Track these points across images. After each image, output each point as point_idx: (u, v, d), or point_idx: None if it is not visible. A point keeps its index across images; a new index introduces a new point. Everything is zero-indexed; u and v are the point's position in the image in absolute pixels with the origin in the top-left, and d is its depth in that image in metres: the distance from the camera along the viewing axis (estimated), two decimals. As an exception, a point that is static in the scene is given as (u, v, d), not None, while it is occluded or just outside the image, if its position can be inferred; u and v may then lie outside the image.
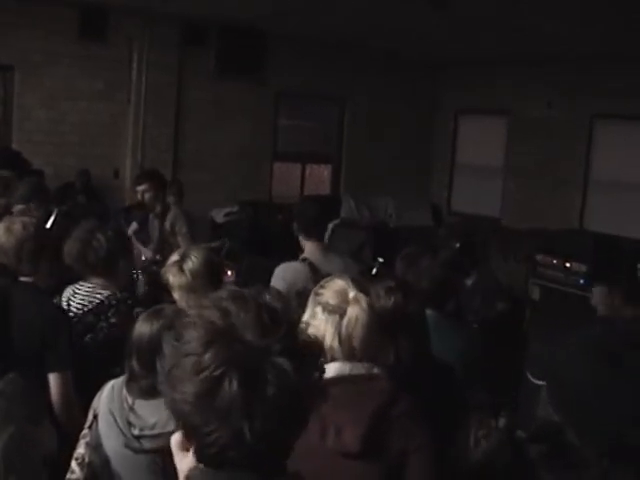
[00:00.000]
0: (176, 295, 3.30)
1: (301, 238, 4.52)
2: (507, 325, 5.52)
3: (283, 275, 4.31)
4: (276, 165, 11.37)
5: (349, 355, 2.19)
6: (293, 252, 4.60)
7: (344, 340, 2.18)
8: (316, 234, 4.53)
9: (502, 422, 2.22)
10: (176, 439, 1.23)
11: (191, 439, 1.19)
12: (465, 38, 9.51)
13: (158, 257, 5.34)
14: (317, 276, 4.27)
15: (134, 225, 6.14)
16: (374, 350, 2.25)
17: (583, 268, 7.90)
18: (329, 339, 2.17)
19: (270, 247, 8.32)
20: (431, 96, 12.47)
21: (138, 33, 9.39)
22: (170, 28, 9.53)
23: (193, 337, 1.16)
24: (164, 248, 5.64)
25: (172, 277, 3.28)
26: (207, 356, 1.12)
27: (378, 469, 2.10)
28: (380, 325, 2.29)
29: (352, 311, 2.20)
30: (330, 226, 9.18)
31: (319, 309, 2.22)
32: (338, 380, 2.11)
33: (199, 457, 1.19)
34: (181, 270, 3.26)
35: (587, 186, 10.62)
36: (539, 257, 8.42)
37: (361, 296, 2.24)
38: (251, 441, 1.11)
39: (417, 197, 12.16)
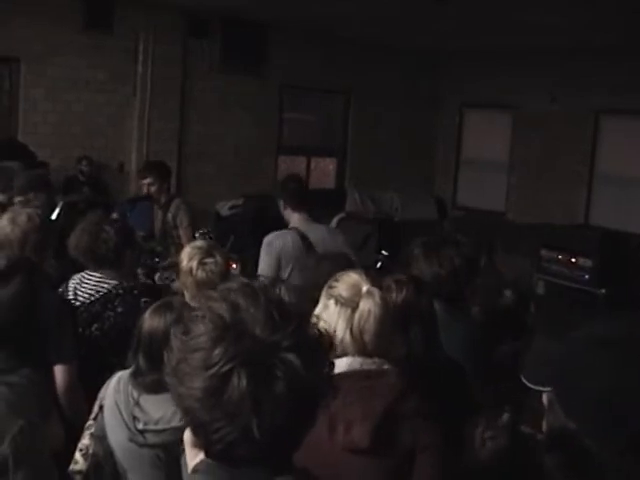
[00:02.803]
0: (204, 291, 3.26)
1: (287, 213, 4.59)
2: (511, 319, 5.50)
3: (269, 242, 4.37)
4: (281, 158, 11.32)
5: (360, 349, 2.14)
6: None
7: (355, 334, 2.14)
8: (300, 206, 4.58)
9: (505, 417, 2.20)
10: (188, 436, 1.22)
11: (199, 435, 1.17)
12: (470, 33, 9.49)
13: (159, 249, 5.34)
14: (305, 241, 4.33)
15: None
16: (386, 345, 2.21)
17: (588, 263, 7.87)
18: (340, 333, 2.13)
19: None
20: (436, 90, 12.42)
21: (143, 25, 9.37)
22: (175, 20, 9.50)
23: (202, 332, 1.13)
24: (166, 240, 5.64)
25: (201, 272, 3.22)
26: (216, 352, 1.10)
27: (386, 466, 2.08)
28: (392, 319, 2.25)
29: (365, 305, 2.15)
30: (335, 219, 9.20)
31: (332, 302, 2.18)
32: (349, 375, 2.08)
33: (207, 452, 1.18)
34: (216, 263, 3.25)
35: (592, 181, 10.59)
36: (544, 252, 8.39)
37: (374, 290, 2.20)
38: (259, 437, 1.09)
39: (422, 191, 12.13)
